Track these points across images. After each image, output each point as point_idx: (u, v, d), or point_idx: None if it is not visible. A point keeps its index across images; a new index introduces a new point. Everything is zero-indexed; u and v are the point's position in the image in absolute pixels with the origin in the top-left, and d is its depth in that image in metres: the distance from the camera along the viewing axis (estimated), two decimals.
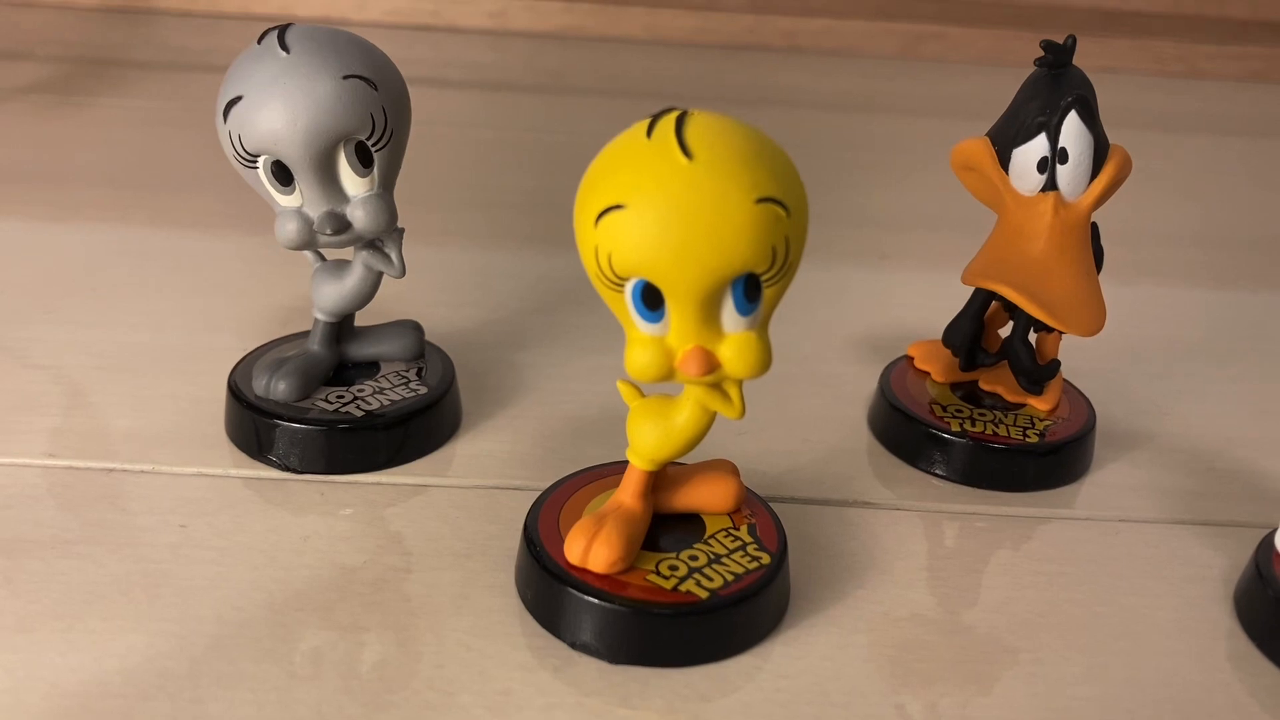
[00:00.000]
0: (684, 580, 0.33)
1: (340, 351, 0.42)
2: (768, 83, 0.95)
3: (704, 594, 0.32)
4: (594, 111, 0.86)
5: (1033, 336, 0.43)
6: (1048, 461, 0.41)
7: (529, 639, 0.33)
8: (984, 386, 0.44)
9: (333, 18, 0.96)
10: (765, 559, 0.34)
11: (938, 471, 0.42)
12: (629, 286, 0.29)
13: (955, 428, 0.42)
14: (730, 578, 0.33)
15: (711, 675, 0.32)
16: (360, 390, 0.41)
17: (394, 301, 0.48)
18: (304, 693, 0.31)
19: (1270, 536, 0.36)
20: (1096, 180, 0.38)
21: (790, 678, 0.32)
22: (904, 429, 0.43)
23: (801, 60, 0.99)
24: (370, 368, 0.42)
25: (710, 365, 0.30)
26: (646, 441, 0.33)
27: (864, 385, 0.47)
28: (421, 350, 0.43)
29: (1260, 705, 0.33)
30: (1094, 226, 0.43)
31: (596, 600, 0.32)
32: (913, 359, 0.46)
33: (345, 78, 0.36)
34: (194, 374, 0.45)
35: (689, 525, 0.35)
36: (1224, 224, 0.72)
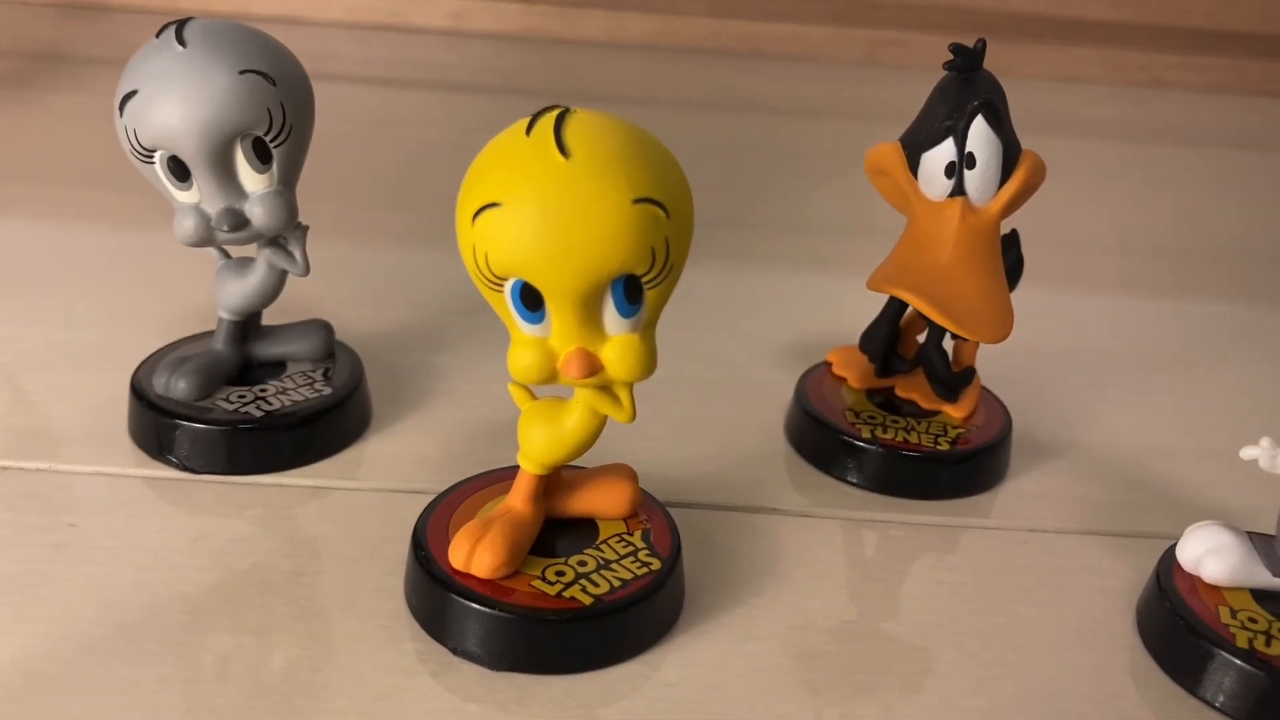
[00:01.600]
0: (569, 586, 0.32)
1: (246, 351, 0.41)
2: (728, 87, 0.95)
3: (588, 600, 0.32)
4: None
5: (950, 343, 0.42)
6: (960, 469, 0.41)
7: (412, 644, 0.32)
8: (900, 393, 0.43)
9: (291, 16, 0.96)
10: (655, 565, 0.33)
11: (851, 479, 0.41)
12: (507, 286, 0.29)
13: (866, 434, 0.41)
14: (617, 584, 0.32)
15: (595, 682, 0.32)
16: (263, 390, 0.40)
17: (320, 302, 0.48)
18: (173, 697, 0.30)
19: (1173, 548, 0.36)
20: (1005, 186, 0.38)
21: (674, 686, 0.32)
22: (817, 435, 0.42)
23: (762, 65, 0.98)
24: (277, 367, 0.42)
25: (592, 367, 0.30)
26: (536, 445, 0.33)
27: (788, 391, 0.47)
28: (330, 350, 0.43)
29: (1149, 718, 0.32)
30: (1015, 234, 0.42)
31: (477, 606, 0.31)
32: (832, 365, 0.45)
33: (242, 73, 0.35)
34: (108, 372, 0.44)
35: (583, 530, 0.35)
36: (1171, 234, 0.72)
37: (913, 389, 0.43)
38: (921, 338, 0.43)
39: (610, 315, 0.29)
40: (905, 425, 0.42)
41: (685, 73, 0.97)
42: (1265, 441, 0.33)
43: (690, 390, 0.47)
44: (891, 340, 0.43)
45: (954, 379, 0.42)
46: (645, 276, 0.29)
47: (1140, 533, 0.40)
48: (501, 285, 0.29)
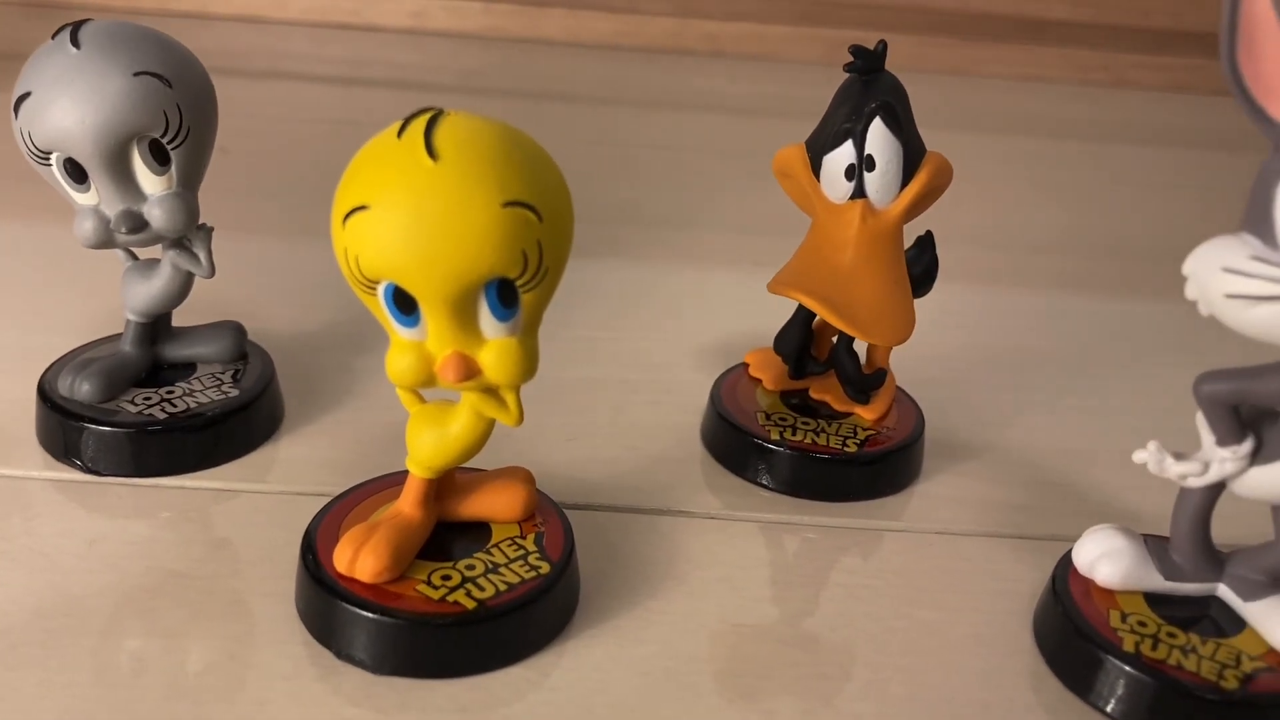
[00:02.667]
0: (454, 590, 0.32)
1: (155, 353, 0.41)
2: (688, 87, 0.95)
3: (472, 604, 0.32)
4: (512, 114, 0.85)
5: (863, 346, 0.42)
6: (869, 471, 0.41)
7: (298, 649, 0.32)
8: (813, 395, 0.43)
9: (251, 15, 0.96)
10: (545, 568, 0.33)
11: (763, 481, 0.41)
12: (380, 290, 0.29)
13: (776, 436, 0.41)
14: (504, 587, 0.32)
15: (478, 687, 0.32)
16: (170, 392, 0.40)
17: (242, 304, 0.48)
18: (50, 701, 0.30)
19: (1070, 552, 0.36)
20: (907, 189, 0.38)
21: (558, 690, 0.32)
22: (729, 438, 0.42)
23: (723, 65, 0.98)
24: (186, 369, 0.42)
25: (469, 371, 0.30)
26: (422, 449, 0.33)
27: (708, 394, 0.47)
28: (241, 352, 0.42)
29: None
30: (929, 236, 0.42)
31: (359, 610, 0.31)
32: (749, 366, 0.45)
33: (136, 74, 0.35)
34: (17, 374, 0.44)
35: (476, 534, 0.35)
36: (1122, 233, 0.72)
37: (826, 391, 0.43)
38: (836, 339, 0.43)
39: (486, 319, 0.29)
40: (816, 427, 0.42)
41: (646, 72, 0.97)
42: (1152, 445, 0.32)
43: (609, 392, 0.47)
44: (804, 342, 0.43)
45: (865, 381, 0.42)
46: (519, 280, 0.28)
47: (1047, 535, 0.40)
48: (374, 288, 0.29)
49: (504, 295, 0.29)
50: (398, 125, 0.29)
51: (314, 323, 0.50)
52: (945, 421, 0.46)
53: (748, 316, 0.54)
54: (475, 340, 0.29)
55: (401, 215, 0.27)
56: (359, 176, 0.28)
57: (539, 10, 0.97)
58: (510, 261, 0.28)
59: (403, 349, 0.30)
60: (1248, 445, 0.31)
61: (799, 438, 0.41)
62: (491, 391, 0.31)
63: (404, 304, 0.29)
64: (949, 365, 0.51)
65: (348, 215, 0.28)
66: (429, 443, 0.32)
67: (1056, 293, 0.62)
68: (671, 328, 0.53)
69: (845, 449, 0.41)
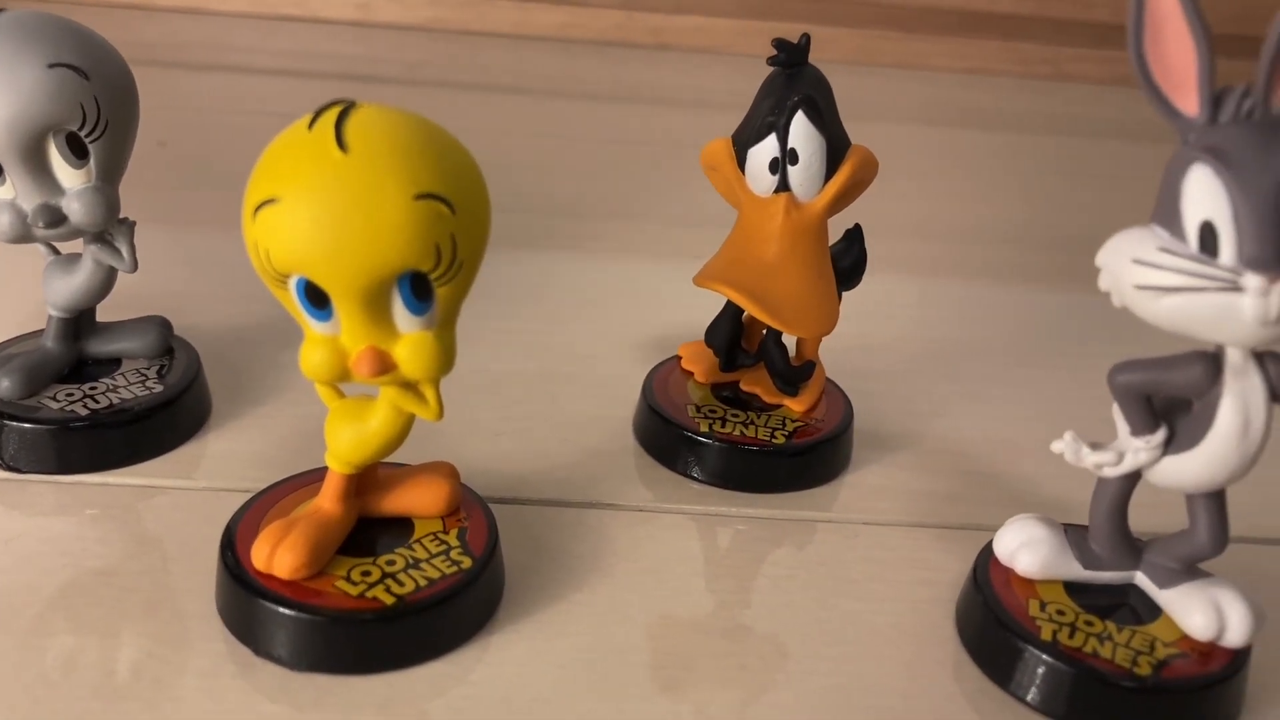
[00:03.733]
0: (374, 586, 0.32)
1: (79, 348, 0.41)
2: (635, 80, 0.95)
3: (390, 600, 0.31)
4: (458, 106, 0.85)
5: (792, 338, 0.42)
6: (797, 463, 0.41)
7: (218, 646, 0.32)
8: (744, 387, 0.43)
9: (190, 7, 0.94)
10: (466, 563, 0.33)
11: (694, 474, 0.41)
12: (291, 283, 0.29)
13: (705, 429, 0.41)
14: (423, 583, 0.32)
15: (397, 683, 0.31)
16: (93, 388, 0.40)
17: (172, 298, 0.47)
18: None
19: (991, 542, 0.36)
20: (831, 182, 0.38)
21: (479, 685, 0.32)
22: (660, 431, 0.42)
23: (670, 58, 0.98)
24: (111, 365, 0.41)
25: (384, 365, 0.29)
26: (341, 444, 0.32)
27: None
28: (166, 347, 0.42)
29: (958, 713, 0.32)
30: (858, 229, 0.43)
31: (276, 607, 0.31)
32: (682, 359, 0.45)
33: (51, 66, 0.35)
34: None
35: (398, 529, 0.34)
36: (1057, 224, 0.72)
37: (757, 383, 0.43)
38: (765, 332, 0.43)
39: (400, 313, 0.29)
40: (745, 420, 0.42)
41: (592, 65, 0.96)
42: (1069, 435, 0.33)
43: (543, 385, 0.47)
44: (735, 335, 0.43)
45: (793, 373, 0.42)
46: (433, 273, 0.28)
47: (972, 525, 0.40)
48: (286, 282, 0.29)
49: (418, 289, 0.29)
50: (309, 117, 0.28)
51: (244, 316, 0.50)
52: (875, 412, 0.46)
53: (685, 308, 0.54)
54: (390, 334, 0.29)
55: (310, 208, 0.27)
56: (269, 169, 0.28)
57: (486, 3, 0.96)
58: (423, 254, 0.28)
59: (316, 344, 0.30)
60: (1160, 435, 0.31)
61: (728, 430, 0.41)
62: (411, 386, 0.31)
63: (316, 298, 0.29)
64: (881, 356, 0.51)
65: (258, 208, 0.28)
66: (347, 438, 0.32)
67: (992, 284, 0.62)
68: (608, 320, 0.53)
69: (774, 441, 0.41)
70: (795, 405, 0.42)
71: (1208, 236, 0.28)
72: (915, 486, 0.43)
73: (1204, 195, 0.28)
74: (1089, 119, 0.96)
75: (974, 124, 0.93)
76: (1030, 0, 1.00)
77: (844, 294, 0.43)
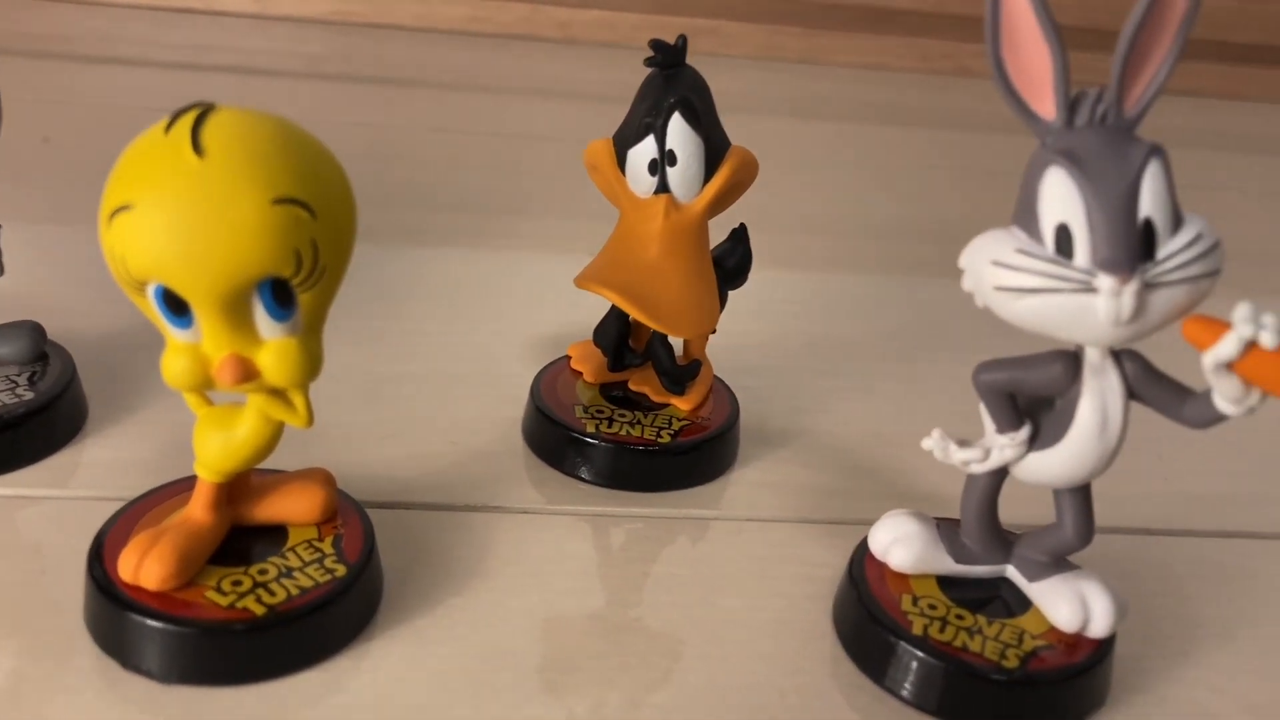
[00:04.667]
0: (244, 596, 0.31)
1: None
2: (540, 73, 0.94)
3: (261, 610, 0.31)
4: (360, 101, 0.84)
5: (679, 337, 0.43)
6: (683, 461, 0.41)
7: (86, 660, 0.31)
8: (632, 387, 0.44)
9: (88, 0, 0.92)
10: (340, 571, 0.33)
11: (582, 475, 0.41)
12: (150, 291, 0.28)
13: (591, 429, 0.41)
14: (296, 592, 0.32)
15: (269, 694, 0.31)
16: None
17: (47, 302, 0.46)
18: None
19: (867, 537, 0.36)
20: (709, 184, 0.38)
21: (353, 694, 0.31)
22: (548, 432, 0.42)
23: (575, 52, 0.98)
24: None
25: (246, 373, 0.29)
26: (210, 453, 0.32)
27: None
28: (40, 352, 0.41)
29: (832, 709, 0.33)
30: (743, 229, 0.43)
31: (145, 619, 0.30)
32: (571, 359, 0.45)
33: None
34: None
35: (272, 537, 0.34)
36: (954, 218, 0.73)
37: (645, 382, 0.43)
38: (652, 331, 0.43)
39: (262, 319, 0.29)
40: (632, 419, 0.42)
41: (497, 58, 0.96)
42: (937, 433, 0.33)
43: (431, 386, 0.46)
44: (623, 334, 0.43)
45: (679, 372, 0.42)
46: (294, 280, 0.28)
47: (854, 520, 0.41)
48: (144, 289, 0.28)
49: (279, 295, 0.28)
50: (166, 121, 0.28)
51: (123, 320, 0.48)
52: (762, 408, 0.46)
53: (578, 306, 0.54)
54: (253, 341, 0.29)
55: (165, 215, 0.27)
56: (124, 174, 0.28)
57: None
58: (282, 260, 0.27)
59: (177, 351, 0.29)
60: (1025, 432, 0.32)
61: (615, 430, 0.41)
62: (279, 393, 0.31)
63: (175, 305, 0.28)
64: (769, 353, 0.52)
65: (113, 214, 0.27)
66: (215, 446, 0.32)
67: (885, 277, 0.63)
68: (501, 318, 0.53)
69: (660, 440, 0.41)
70: (682, 404, 0.43)
71: (1063, 239, 0.28)
72: (799, 482, 0.43)
73: (1059, 198, 0.28)
74: (989, 114, 0.98)
75: (876, 119, 0.94)
76: None
77: (732, 292, 0.43)
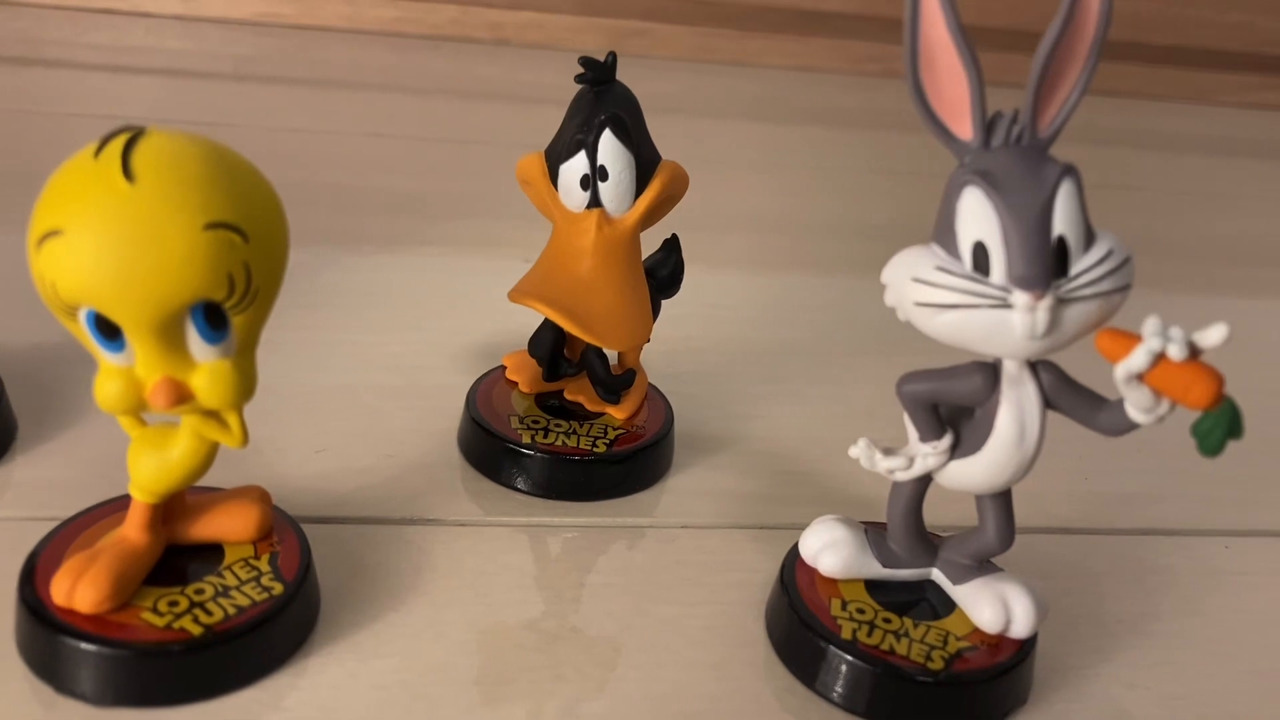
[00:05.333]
0: (181, 617, 0.32)
1: None
2: (472, 75, 0.94)
3: (198, 630, 0.31)
4: (289, 102, 0.83)
5: None
6: (618, 470, 0.42)
7: (18, 685, 0.31)
8: (568, 396, 0.44)
9: (9, 1, 0.90)
10: (277, 589, 0.33)
11: (519, 485, 0.42)
12: (81, 315, 0.28)
13: (527, 440, 0.41)
14: (233, 611, 0.32)
15: (207, 714, 0.31)
16: None
17: None
18: None
19: (798, 543, 0.37)
20: (641, 198, 0.39)
21: (291, 711, 0.32)
22: (483, 443, 0.42)
23: (507, 54, 0.98)
24: None
25: (180, 395, 0.29)
26: (144, 474, 0.32)
27: None
28: None
29: (765, 713, 0.34)
30: (675, 239, 0.44)
31: (79, 642, 0.30)
32: (506, 369, 0.45)
33: None
34: None
35: (208, 556, 0.34)
36: (881, 218, 0.75)
37: (580, 392, 0.44)
38: None
39: (195, 342, 0.29)
40: (568, 429, 0.42)
41: (428, 60, 0.96)
42: (862, 442, 0.34)
43: (365, 398, 0.46)
44: (557, 344, 0.43)
45: (614, 381, 0.43)
46: (226, 303, 0.28)
47: (786, 524, 0.42)
48: (75, 314, 0.28)
49: (212, 318, 0.28)
50: (95, 145, 0.28)
51: (52, 334, 0.48)
52: (696, 415, 0.47)
53: (512, 315, 0.54)
54: (186, 363, 0.29)
55: (96, 241, 0.27)
56: (53, 199, 0.27)
57: None
58: (215, 285, 0.28)
59: (110, 375, 0.29)
60: (947, 441, 0.33)
61: (550, 440, 0.42)
62: (213, 413, 0.31)
63: (107, 329, 0.28)
64: (704, 359, 0.53)
65: (42, 239, 0.27)
66: (150, 467, 0.32)
67: (817, 279, 0.64)
68: (435, 328, 0.53)
69: (595, 449, 0.42)
70: (617, 413, 0.43)
71: (980, 256, 0.29)
72: (732, 488, 0.44)
73: (976, 217, 0.29)
74: (916, 115, 0.99)
75: (806, 120, 0.95)
76: (859, 0, 1.03)
77: (665, 300, 0.44)
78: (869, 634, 0.34)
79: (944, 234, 0.30)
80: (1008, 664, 0.34)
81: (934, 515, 0.36)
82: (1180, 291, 0.71)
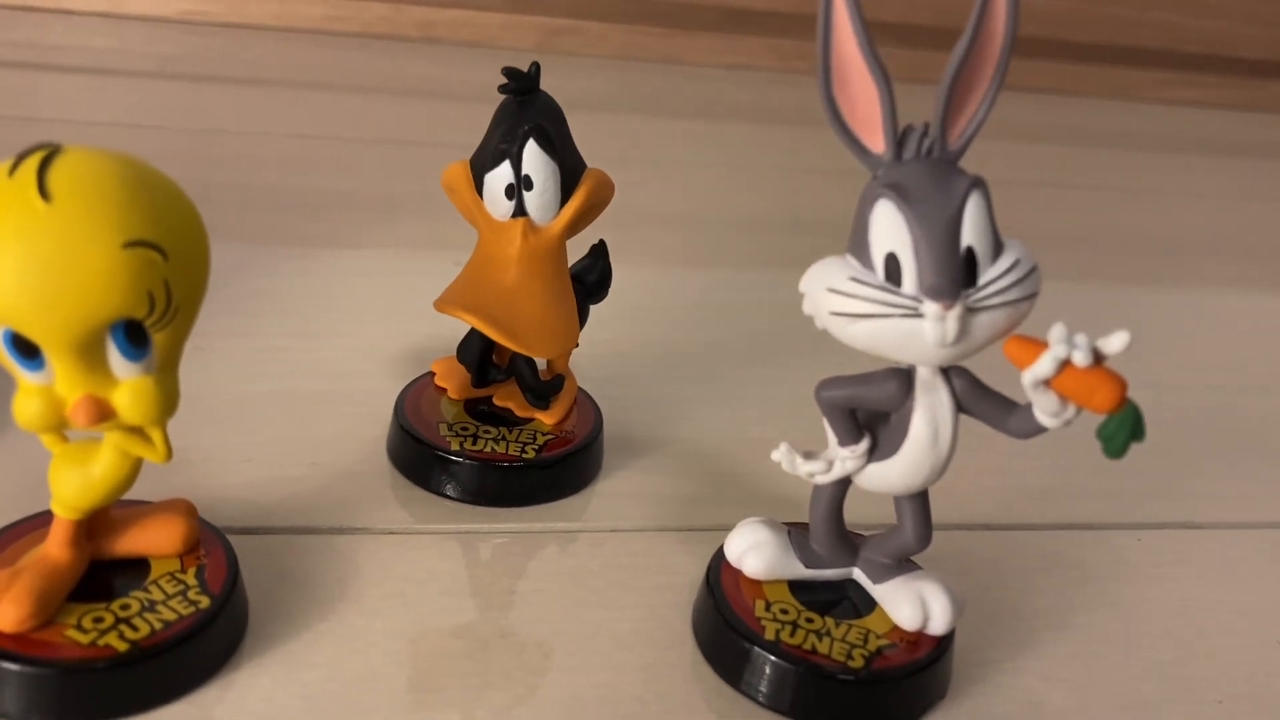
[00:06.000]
0: (106, 633, 0.31)
1: None
2: (403, 73, 0.94)
3: (124, 646, 0.31)
4: (216, 102, 0.83)
5: None
6: (548, 475, 0.42)
7: None
8: (497, 402, 0.44)
9: None
10: (204, 602, 0.33)
11: (448, 492, 0.42)
12: None
13: (456, 447, 0.42)
14: (159, 625, 0.32)
15: None
16: None
17: None
18: None
19: (724, 545, 0.38)
20: (566, 206, 0.39)
21: None
22: (412, 450, 0.43)
23: (437, 51, 0.98)
24: None
25: (102, 413, 0.29)
26: (67, 491, 0.32)
27: None
28: None
29: (692, 714, 0.34)
30: (602, 245, 0.44)
31: (0, 662, 0.30)
32: (435, 375, 0.46)
33: None
34: None
35: (134, 571, 0.34)
36: (812, 215, 0.76)
37: (509, 398, 0.44)
38: None
39: (116, 359, 0.29)
40: (497, 435, 0.43)
41: (358, 58, 0.95)
42: (783, 446, 0.35)
43: (294, 406, 0.46)
44: (486, 350, 0.44)
45: (543, 387, 0.43)
46: (147, 320, 0.28)
47: (715, 526, 0.42)
48: None
49: (133, 336, 0.28)
50: (9, 163, 0.28)
51: None
52: (626, 418, 0.48)
53: (445, 319, 0.54)
54: (107, 381, 0.29)
55: (13, 261, 0.26)
56: None
57: None
58: (135, 303, 0.28)
59: (30, 394, 0.29)
60: (864, 444, 0.34)
61: (479, 447, 0.42)
62: (136, 429, 0.31)
63: (25, 349, 0.28)
64: (633, 361, 0.53)
65: None
66: (73, 484, 0.32)
67: (747, 275, 0.65)
68: (365, 333, 0.53)
69: (524, 455, 0.42)
70: (546, 418, 0.43)
71: (892, 267, 0.30)
72: (661, 491, 0.44)
73: (888, 229, 0.30)
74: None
75: (736, 117, 0.96)
76: None
77: (594, 305, 0.45)
78: (792, 634, 0.35)
79: (858, 245, 0.31)
80: (926, 660, 0.35)
81: (857, 514, 0.37)
82: (1100, 283, 0.73)
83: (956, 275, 0.30)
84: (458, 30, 0.98)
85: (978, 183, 0.30)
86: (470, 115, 0.83)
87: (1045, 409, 0.31)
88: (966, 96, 0.31)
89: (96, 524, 0.34)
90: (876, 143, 0.31)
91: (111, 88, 0.82)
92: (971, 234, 0.30)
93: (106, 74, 0.85)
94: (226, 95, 0.84)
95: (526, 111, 0.38)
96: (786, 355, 0.56)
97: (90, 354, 0.28)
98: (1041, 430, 0.32)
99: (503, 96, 0.39)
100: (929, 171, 0.31)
